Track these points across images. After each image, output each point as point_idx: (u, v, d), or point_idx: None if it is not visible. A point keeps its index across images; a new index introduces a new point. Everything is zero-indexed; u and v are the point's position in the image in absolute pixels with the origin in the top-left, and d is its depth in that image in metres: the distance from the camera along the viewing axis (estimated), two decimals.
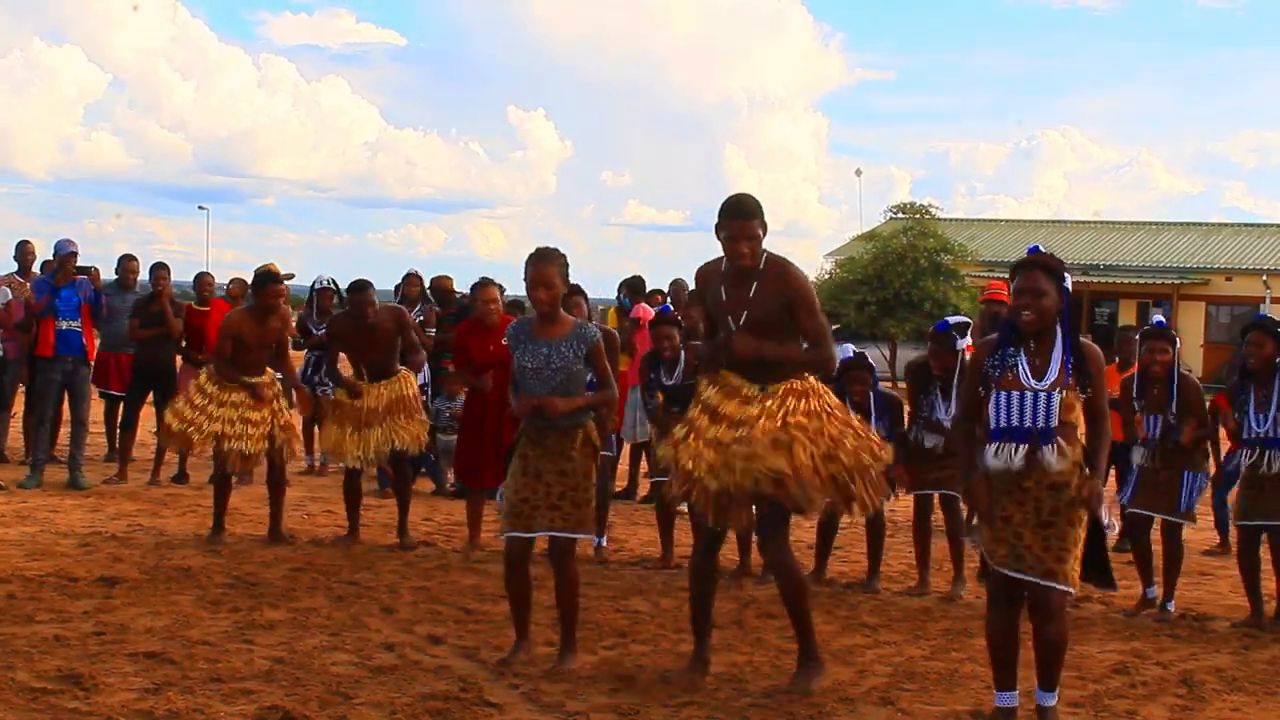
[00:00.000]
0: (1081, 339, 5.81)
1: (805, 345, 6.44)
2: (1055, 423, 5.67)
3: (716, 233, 6.41)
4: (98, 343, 13.74)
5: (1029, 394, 5.70)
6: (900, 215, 42.36)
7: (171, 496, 12.15)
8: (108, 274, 14.17)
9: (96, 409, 13.96)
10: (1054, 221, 53.31)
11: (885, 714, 6.25)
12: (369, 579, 8.76)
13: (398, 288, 14.02)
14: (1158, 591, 8.79)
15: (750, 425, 6.22)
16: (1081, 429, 5.81)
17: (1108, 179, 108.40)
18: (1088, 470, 5.75)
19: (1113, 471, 9.82)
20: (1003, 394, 5.75)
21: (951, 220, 46.12)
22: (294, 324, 12.77)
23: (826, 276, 41.73)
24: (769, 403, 6.28)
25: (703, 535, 6.83)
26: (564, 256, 6.86)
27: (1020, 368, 5.75)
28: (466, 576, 8.92)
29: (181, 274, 15.05)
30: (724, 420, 6.35)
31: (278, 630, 7.38)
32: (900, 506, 13.12)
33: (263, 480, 10.55)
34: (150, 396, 13.31)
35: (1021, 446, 5.71)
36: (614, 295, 14.74)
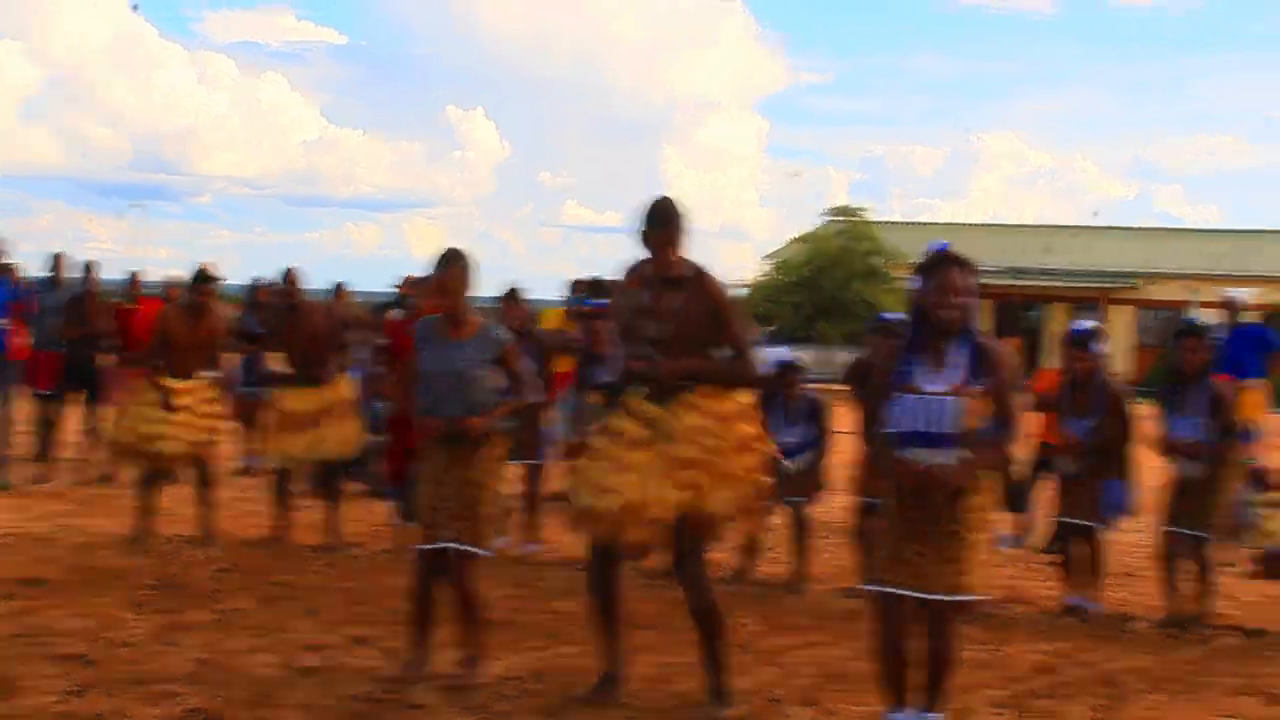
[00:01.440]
0: (987, 339, 5.55)
1: (728, 356, 6.17)
2: (952, 429, 5.39)
3: (643, 240, 6.15)
4: (30, 341, 13.57)
5: (927, 398, 5.44)
6: (836, 218, 42.59)
7: (98, 496, 12.05)
8: (40, 271, 14.03)
9: (22, 408, 13.81)
10: (989, 225, 53.68)
11: (811, 714, 6.29)
12: (295, 580, 8.72)
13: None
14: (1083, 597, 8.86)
15: (655, 452, 5.94)
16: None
17: (1043, 183, 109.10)
18: (968, 460, 5.41)
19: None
20: (904, 397, 5.48)
21: (887, 223, 46.42)
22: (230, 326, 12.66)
23: (763, 279, 41.88)
24: (675, 425, 5.97)
25: (596, 554, 6.34)
26: (465, 259, 6.68)
27: (921, 371, 5.50)
28: (393, 577, 8.85)
29: (114, 273, 14.95)
30: (628, 443, 6.03)
31: (202, 632, 7.33)
32: (828, 507, 13.19)
33: (191, 480, 10.46)
34: (79, 395, 13.19)
35: (923, 453, 5.45)
36: (552, 296, 14.77)
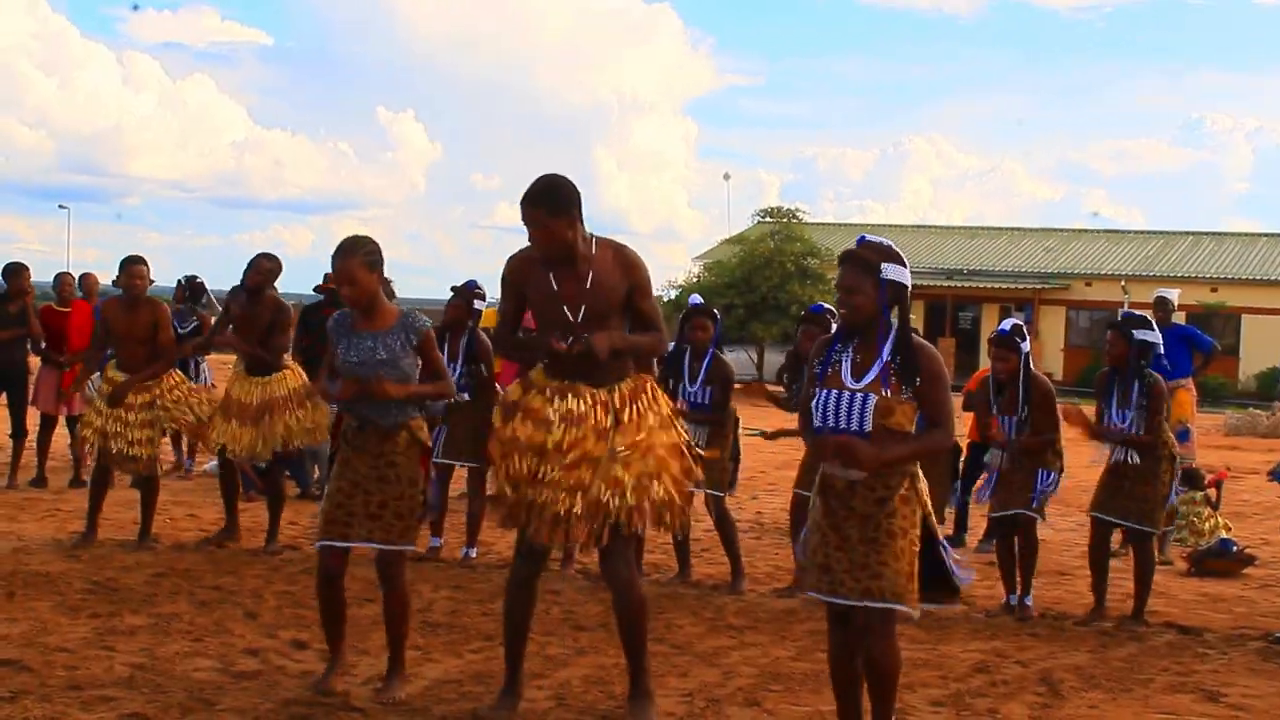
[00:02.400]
0: (915, 338, 5.36)
1: (641, 330, 6.02)
2: (869, 427, 5.21)
3: (544, 222, 5.77)
4: None
5: (846, 394, 5.28)
6: (768, 219, 42.74)
7: (29, 501, 11.91)
8: None
9: None
10: (920, 226, 54.07)
11: (751, 714, 6.29)
12: (232, 583, 8.66)
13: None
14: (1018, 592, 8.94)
15: (613, 442, 5.80)
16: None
17: (972, 185, 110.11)
18: (886, 444, 5.19)
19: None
20: (824, 392, 5.34)
21: (819, 224, 46.60)
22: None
23: (695, 280, 41.99)
24: (624, 412, 5.85)
25: (525, 555, 6.11)
26: (368, 245, 6.35)
27: (844, 365, 5.35)
28: None
29: (41, 274, 14.76)
30: (570, 429, 5.82)
31: (139, 636, 7.27)
32: (767, 508, 13.23)
33: (126, 483, 10.39)
34: (4, 399, 13.04)
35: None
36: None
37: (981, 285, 44.94)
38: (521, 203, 5.80)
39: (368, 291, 6.32)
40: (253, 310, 9.96)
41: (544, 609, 7.98)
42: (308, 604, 8.13)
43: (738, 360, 10.98)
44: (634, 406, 5.90)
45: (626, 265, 5.92)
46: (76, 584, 8.45)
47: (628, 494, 5.80)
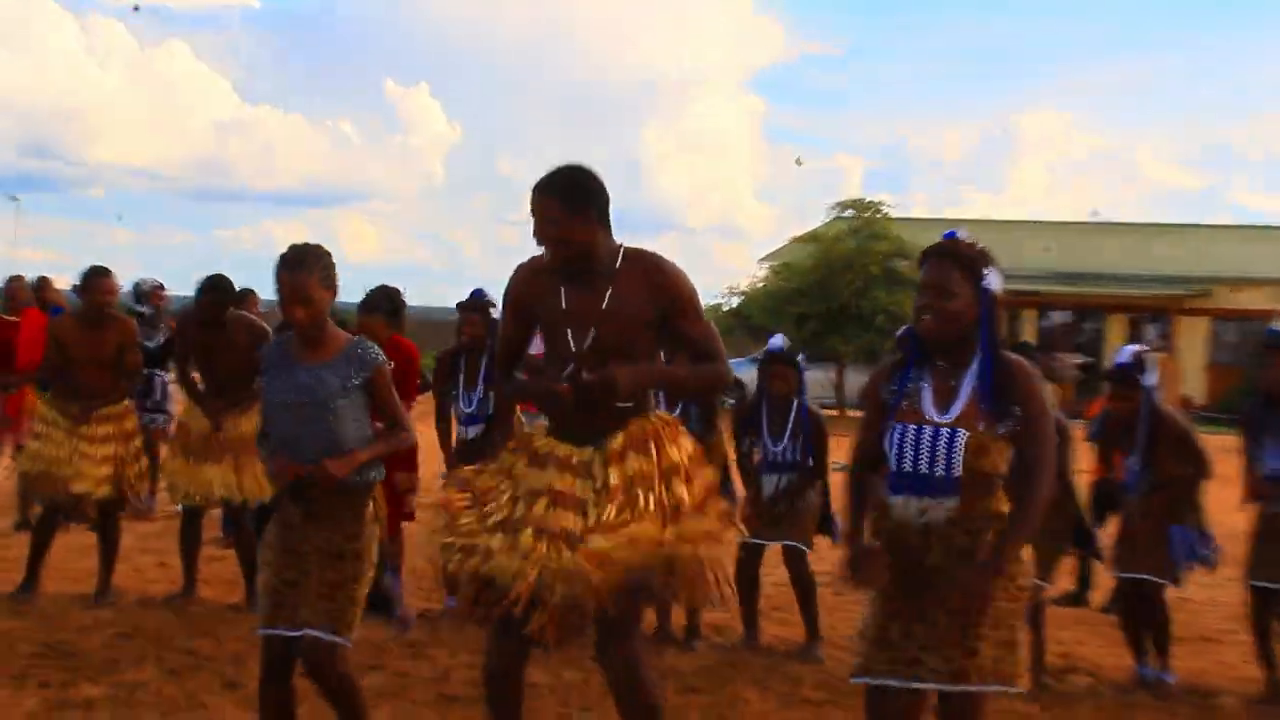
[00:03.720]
0: (1010, 355, 5.15)
1: (690, 361, 5.70)
2: (958, 471, 5.01)
3: (553, 225, 5.53)
4: None
5: (929, 429, 5.06)
6: (848, 213, 42.62)
7: None
8: None
9: None
10: (1032, 222, 53.83)
11: None
12: (209, 647, 8.67)
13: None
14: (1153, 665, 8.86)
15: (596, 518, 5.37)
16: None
17: (1096, 171, 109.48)
18: (995, 545, 5.00)
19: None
20: (898, 428, 5.12)
21: (909, 220, 46.47)
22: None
23: (760, 285, 41.90)
24: (611, 473, 5.44)
25: (500, 634, 5.66)
26: (324, 256, 6.12)
27: (923, 394, 5.15)
28: None
29: None
30: (551, 500, 5.48)
31: (97, 710, 7.30)
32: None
33: (79, 528, 10.43)
34: None
35: (924, 501, 5.08)
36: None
37: (1106, 292, 44.71)
38: (533, 190, 5.57)
39: (321, 315, 6.10)
40: (219, 339, 9.97)
41: (583, 678, 7.98)
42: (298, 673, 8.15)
43: (814, 381, 10.90)
44: (633, 465, 5.47)
45: (657, 282, 5.58)
46: (22, 647, 8.49)
47: (635, 564, 5.34)
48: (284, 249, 6.11)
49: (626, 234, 5.68)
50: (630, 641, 5.54)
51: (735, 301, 40.82)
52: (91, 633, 8.95)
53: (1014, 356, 5.17)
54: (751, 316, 38.83)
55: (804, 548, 9.30)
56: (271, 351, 6.25)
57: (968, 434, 5.01)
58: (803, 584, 9.38)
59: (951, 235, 5.26)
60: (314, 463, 6.01)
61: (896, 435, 5.12)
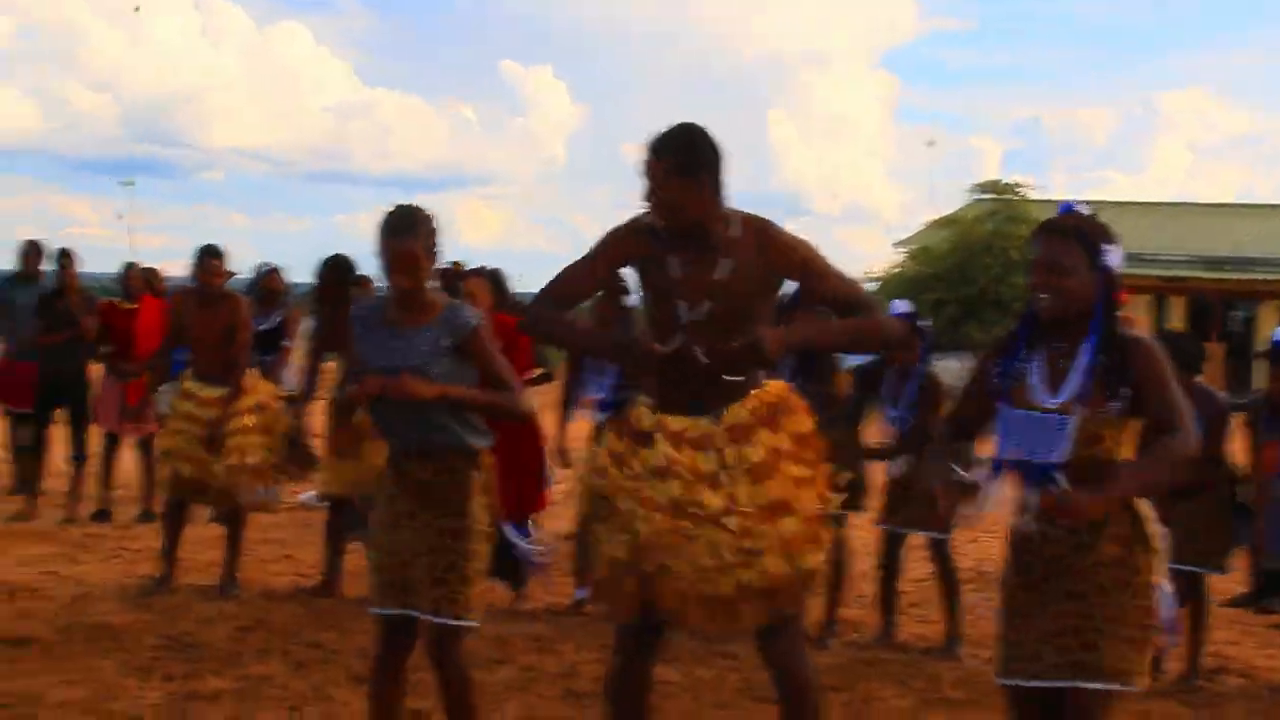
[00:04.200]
0: (1128, 333, 4.98)
1: (843, 316, 5.42)
2: (1069, 457, 4.86)
3: (666, 188, 5.30)
4: None
5: (1038, 415, 4.93)
6: (985, 196, 42.31)
7: (91, 538, 12.17)
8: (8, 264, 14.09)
9: None
10: (1176, 204, 53.16)
11: None
12: (335, 640, 8.72)
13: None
14: None
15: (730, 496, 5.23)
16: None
17: (1243, 151, 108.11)
18: (1109, 479, 4.79)
19: None
20: (1008, 411, 5.00)
21: (1049, 202, 45.97)
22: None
23: (896, 270, 41.71)
24: (742, 448, 5.27)
25: (627, 636, 5.53)
26: (429, 221, 5.94)
27: (1033, 375, 5.00)
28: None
29: (104, 264, 15.02)
30: (677, 477, 5.29)
31: (222, 702, 7.38)
32: (991, 553, 13.09)
33: (204, 519, 10.53)
34: (61, 414, 13.30)
35: (1035, 489, 4.91)
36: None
37: (1258, 277, 44.06)
38: (647, 150, 5.33)
39: (422, 281, 5.93)
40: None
41: (717, 675, 7.96)
42: (428, 665, 8.17)
43: (950, 370, 10.77)
44: (751, 437, 5.30)
45: (772, 250, 5.34)
46: (147, 639, 8.61)
47: (782, 557, 5.24)
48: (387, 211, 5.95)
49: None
50: (793, 631, 5.48)
51: (871, 287, 40.65)
52: (215, 625, 9.05)
53: (1133, 334, 5.01)
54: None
55: (945, 536, 9.20)
56: (364, 316, 6.10)
57: (1078, 419, 4.86)
58: (946, 576, 9.30)
59: (1068, 208, 5.14)
60: (412, 435, 5.94)
61: (1006, 419, 5.01)
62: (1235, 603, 9.01)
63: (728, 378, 5.26)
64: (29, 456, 13.36)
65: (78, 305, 12.94)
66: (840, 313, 5.43)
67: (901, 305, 9.59)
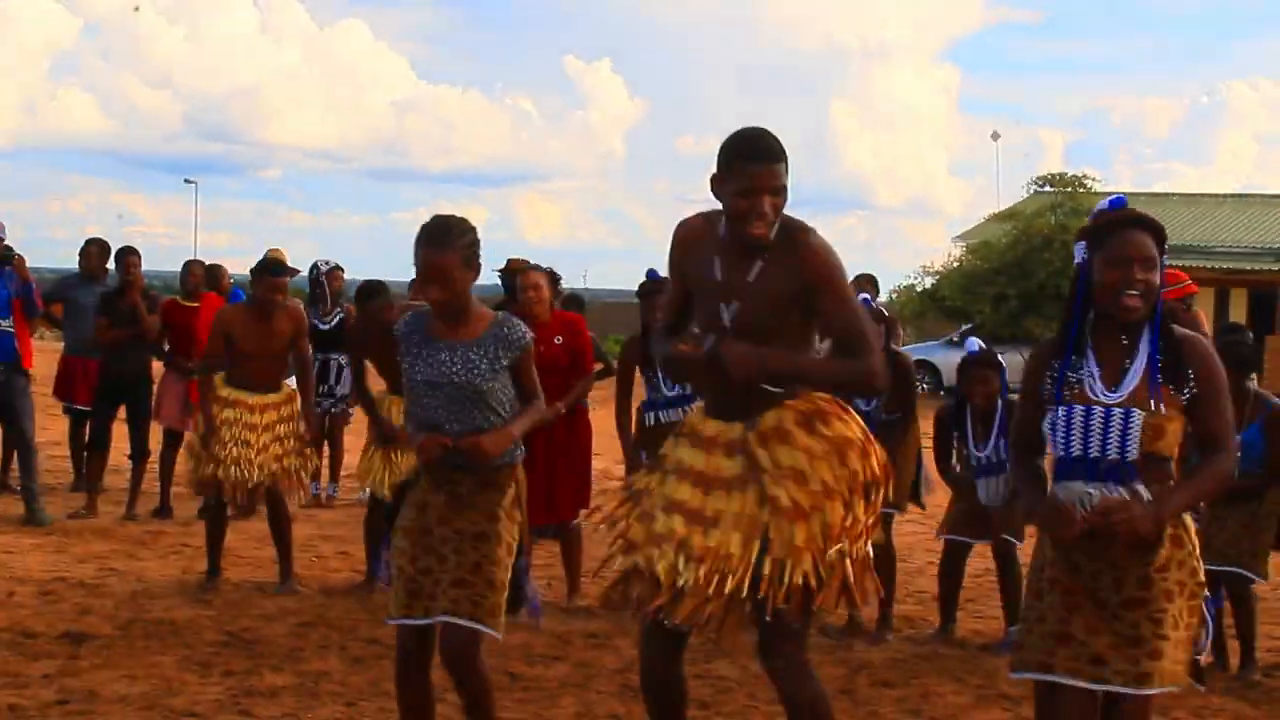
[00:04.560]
0: (1180, 330, 4.94)
1: (832, 354, 5.28)
2: (1133, 455, 4.82)
3: (718, 185, 5.12)
4: (33, 345, 13.70)
5: (1099, 410, 4.86)
6: (1047, 189, 42.12)
7: (151, 534, 12.25)
8: (71, 262, 14.19)
9: (59, 428, 14.05)
10: (1242, 195, 52.73)
11: None
12: (393, 636, 8.74)
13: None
14: None
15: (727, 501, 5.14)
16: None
17: None
18: (1161, 498, 4.80)
19: None
20: (1064, 410, 4.94)
21: (1112, 194, 45.67)
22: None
23: (956, 264, 41.54)
24: (758, 455, 5.13)
25: (658, 634, 5.40)
26: (469, 232, 5.88)
27: (1088, 372, 4.93)
28: (514, 634, 8.86)
29: (166, 262, 15.13)
30: (692, 480, 5.24)
31: (281, 698, 7.46)
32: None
33: (263, 516, 10.61)
34: (122, 412, 13.36)
35: (1094, 486, 4.88)
36: None
37: None
38: (754, 158, 5.03)
39: (463, 295, 5.92)
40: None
41: (760, 671, 7.98)
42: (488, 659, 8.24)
43: (1010, 364, 10.75)
44: (816, 447, 5.12)
45: (800, 255, 5.11)
46: (207, 635, 8.70)
47: (797, 562, 5.03)
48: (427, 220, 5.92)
49: (813, 212, 5.52)
50: (794, 644, 5.23)
51: (929, 282, 40.54)
52: (274, 621, 9.14)
53: (1189, 334, 4.97)
54: (947, 297, 38.52)
55: (1017, 541, 9.23)
56: (408, 326, 6.07)
57: (1143, 414, 4.82)
58: (1010, 576, 9.31)
59: (1122, 202, 5.04)
60: (458, 455, 5.92)
61: (1063, 418, 4.94)
62: None
63: (767, 387, 5.10)
64: (91, 454, 13.46)
65: (140, 303, 13.00)
66: (838, 344, 5.21)
67: (973, 343, 9.63)
